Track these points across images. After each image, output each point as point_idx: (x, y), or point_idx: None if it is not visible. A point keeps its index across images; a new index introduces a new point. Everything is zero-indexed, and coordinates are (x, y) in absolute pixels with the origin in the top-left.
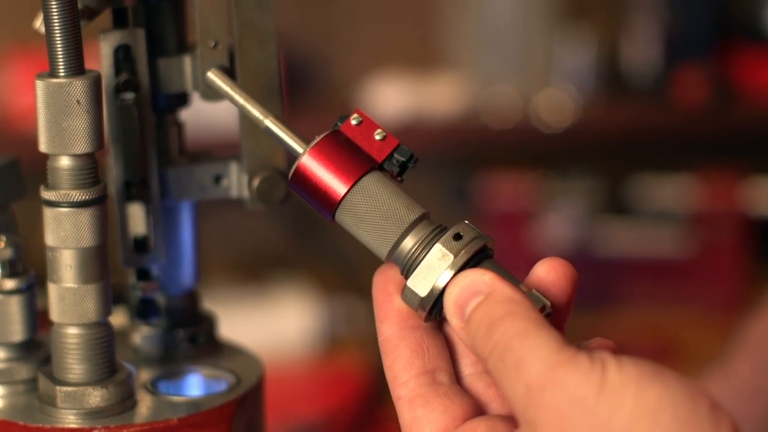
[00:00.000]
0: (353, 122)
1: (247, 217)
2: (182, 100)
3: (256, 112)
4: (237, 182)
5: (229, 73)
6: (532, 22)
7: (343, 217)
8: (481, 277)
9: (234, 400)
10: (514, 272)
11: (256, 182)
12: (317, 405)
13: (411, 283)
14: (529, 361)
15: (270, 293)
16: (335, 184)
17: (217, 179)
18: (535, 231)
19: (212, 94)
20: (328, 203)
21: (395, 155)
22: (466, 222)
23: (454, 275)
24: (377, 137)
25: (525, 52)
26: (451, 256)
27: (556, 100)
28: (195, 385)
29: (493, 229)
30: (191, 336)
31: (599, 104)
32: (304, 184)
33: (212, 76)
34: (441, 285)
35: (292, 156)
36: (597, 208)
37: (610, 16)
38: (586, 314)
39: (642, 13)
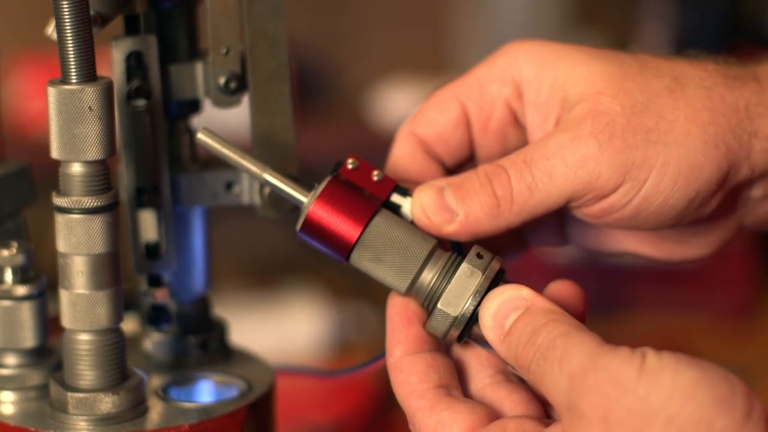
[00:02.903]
0: (350, 167)
1: (257, 223)
2: (194, 106)
3: (253, 167)
4: (248, 189)
5: (241, 80)
6: (542, 28)
7: (358, 258)
8: (519, 293)
9: (245, 407)
10: (524, 278)
11: (267, 189)
12: (327, 411)
13: (442, 304)
14: (573, 354)
15: (280, 299)
16: (347, 228)
17: (229, 186)
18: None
19: (224, 100)
20: (341, 247)
21: (395, 193)
22: (477, 245)
23: (487, 291)
24: (375, 178)
25: None
26: (480, 274)
27: None
28: (206, 391)
29: None
30: (202, 342)
31: None
32: (315, 231)
33: (203, 137)
34: (475, 302)
35: (307, 156)
36: None
37: (619, 22)
38: (596, 321)
39: (651, 19)
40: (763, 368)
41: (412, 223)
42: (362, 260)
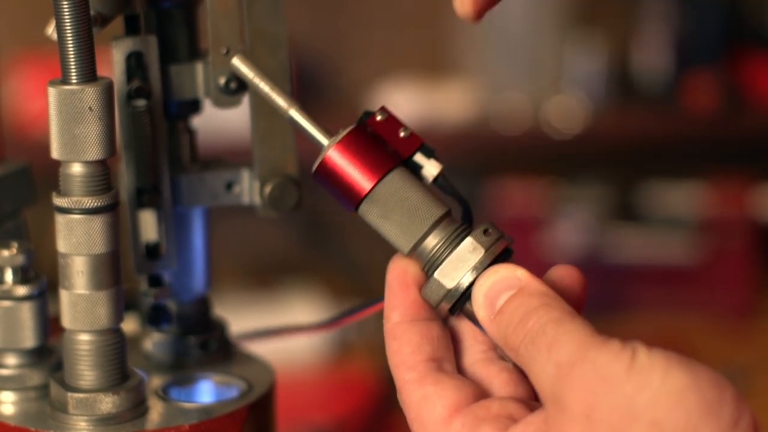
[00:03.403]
0: (378, 118)
1: (257, 223)
2: (194, 106)
3: (280, 101)
4: (249, 189)
5: (241, 80)
6: (543, 28)
7: (367, 210)
8: (514, 272)
9: (245, 407)
10: None
11: (267, 189)
12: (327, 411)
13: (439, 275)
14: (562, 342)
15: (280, 299)
16: (361, 178)
17: (229, 186)
18: (545, 237)
19: (224, 101)
20: (352, 196)
21: (419, 153)
22: (490, 222)
23: (485, 268)
24: (402, 134)
25: (536, 59)
26: (482, 250)
27: (567, 107)
28: (206, 391)
29: None
30: (203, 342)
31: (610, 111)
32: (329, 176)
33: (237, 62)
34: (471, 277)
35: (307, 156)
36: (607, 214)
37: (620, 23)
38: (596, 320)
39: (652, 20)
40: (763, 368)
41: (435, 184)
42: (370, 214)
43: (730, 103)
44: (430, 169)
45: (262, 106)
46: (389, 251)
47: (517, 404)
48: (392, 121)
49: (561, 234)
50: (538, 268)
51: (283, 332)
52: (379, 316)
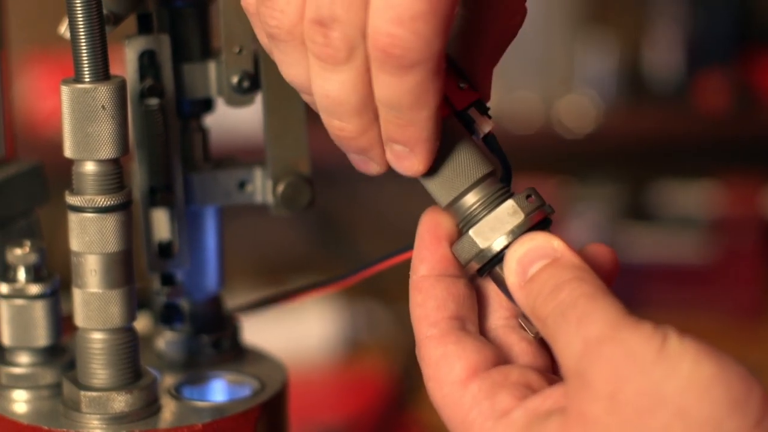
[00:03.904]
0: None
1: (270, 222)
2: (207, 105)
3: None
4: (261, 188)
5: (253, 79)
6: (554, 28)
7: None
8: (550, 242)
9: (258, 406)
10: None
11: (280, 188)
12: (339, 410)
13: (474, 232)
14: (593, 318)
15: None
16: None
17: (242, 185)
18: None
19: (237, 99)
20: None
21: (474, 107)
22: (534, 188)
23: (522, 234)
24: (461, 86)
25: (546, 58)
26: (522, 215)
27: (578, 106)
28: (219, 390)
29: None
30: (215, 341)
31: (621, 110)
32: None
33: None
34: (506, 241)
35: (320, 155)
36: (618, 213)
37: (631, 22)
38: None
39: (664, 19)
40: None
41: (483, 141)
42: None
43: (742, 102)
44: (483, 125)
45: (274, 105)
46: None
47: (537, 374)
48: (451, 72)
49: (572, 233)
50: None
51: (296, 294)
52: (391, 312)
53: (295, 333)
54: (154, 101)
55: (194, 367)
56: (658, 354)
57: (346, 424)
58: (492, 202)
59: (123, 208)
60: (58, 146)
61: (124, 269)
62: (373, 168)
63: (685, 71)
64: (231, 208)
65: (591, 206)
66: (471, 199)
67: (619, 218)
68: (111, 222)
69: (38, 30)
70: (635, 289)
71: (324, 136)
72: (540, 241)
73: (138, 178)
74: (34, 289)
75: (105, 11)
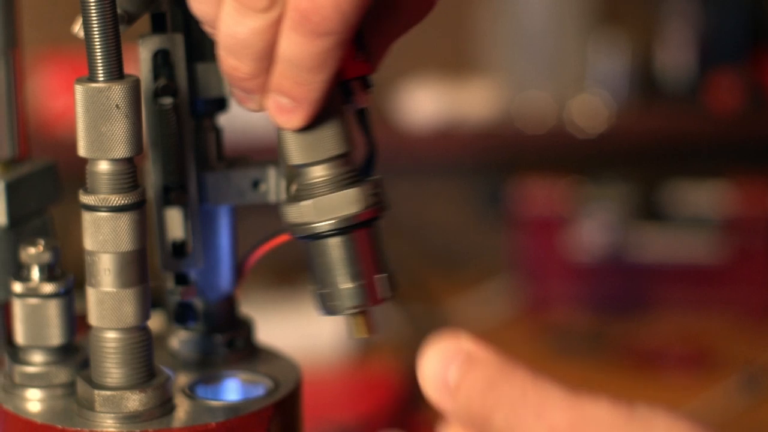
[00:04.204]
0: None
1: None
2: (220, 104)
3: None
4: (275, 187)
5: None
6: (565, 27)
7: None
8: (457, 344)
9: (272, 405)
10: (548, 277)
11: (294, 187)
12: (351, 410)
13: (313, 203)
14: (550, 405)
15: (305, 298)
16: None
17: (255, 184)
18: (568, 236)
19: None
20: None
21: (359, 80)
22: (381, 181)
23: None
24: (357, 55)
25: (559, 58)
26: (360, 206)
27: (590, 106)
28: (233, 389)
29: (527, 234)
30: (229, 340)
31: (633, 110)
32: None
33: None
34: (336, 225)
35: None
36: (631, 213)
37: (643, 22)
38: (620, 320)
39: (675, 18)
40: None
41: (356, 114)
42: None
43: (754, 101)
44: (361, 99)
45: None
46: (415, 251)
47: None
48: (354, 40)
49: (584, 233)
50: (561, 268)
51: None
52: (403, 313)
53: (308, 332)
54: (167, 100)
55: (208, 367)
56: (630, 418)
57: (358, 424)
58: (339, 182)
59: (137, 207)
60: (70, 145)
61: (138, 268)
62: (251, 106)
63: (697, 71)
64: (244, 208)
65: (603, 206)
66: (320, 171)
67: (631, 218)
68: (125, 221)
69: (50, 29)
70: (647, 288)
71: None
72: (447, 346)
73: (152, 177)
74: (48, 288)
75: (119, 10)
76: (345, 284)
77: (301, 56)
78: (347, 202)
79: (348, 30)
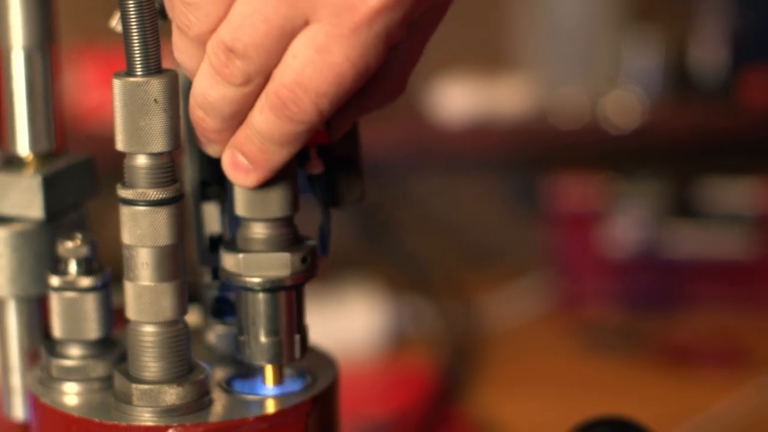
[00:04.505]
0: None
1: (317, 217)
2: None
3: None
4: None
5: None
6: (599, 24)
7: None
8: None
9: (310, 399)
10: (582, 273)
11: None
12: (385, 405)
13: (245, 258)
14: None
15: (338, 293)
16: None
17: None
18: (602, 232)
19: None
20: None
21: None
22: (315, 249)
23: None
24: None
25: (592, 54)
26: (287, 272)
27: (623, 102)
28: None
29: (561, 231)
30: None
31: (666, 106)
32: None
33: None
34: (261, 285)
35: (371, 149)
36: (664, 209)
37: (677, 18)
38: (654, 317)
39: (709, 15)
40: None
41: (308, 179)
42: None
43: None
44: (313, 166)
45: None
46: (448, 247)
47: None
48: None
49: (618, 229)
50: (595, 264)
51: None
52: (437, 307)
53: (341, 327)
54: None
55: (245, 361)
56: None
57: (391, 419)
58: (274, 243)
59: (175, 201)
60: (104, 139)
61: (176, 262)
62: (210, 152)
63: (731, 67)
64: None
65: (636, 202)
66: (260, 228)
67: (665, 214)
68: (163, 215)
69: (84, 23)
70: (680, 285)
71: (369, 131)
72: None
73: (189, 171)
74: (85, 281)
75: (156, 4)
76: (262, 338)
77: (271, 132)
78: (277, 264)
79: (322, 120)
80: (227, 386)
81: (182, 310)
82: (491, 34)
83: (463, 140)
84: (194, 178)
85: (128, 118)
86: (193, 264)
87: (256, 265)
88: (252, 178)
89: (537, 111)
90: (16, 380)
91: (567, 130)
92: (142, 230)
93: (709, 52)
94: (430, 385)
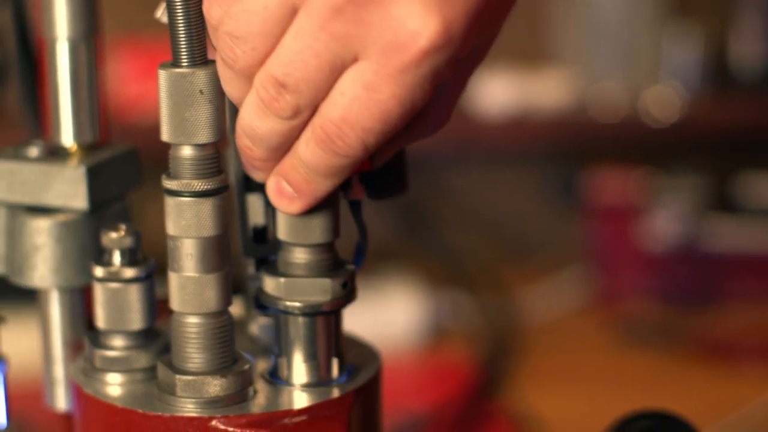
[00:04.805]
0: None
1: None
2: None
3: None
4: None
5: None
6: (639, 18)
7: None
8: None
9: (353, 391)
10: (621, 267)
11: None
12: (423, 398)
13: (286, 283)
14: None
15: (378, 286)
16: None
17: None
18: (641, 227)
19: None
20: None
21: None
22: (354, 273)
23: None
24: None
25: (632, 49)
26: (327, 297)
27: (664, 97)
28: None
29: (599, 224)
30: None
31: (706, 100)
32: None
33: None
34: (301, 309)
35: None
36: (703, 204)
37: (717, 12)
38: (693, 312)
39: (749, 9)
40: None
41: (350, 205)
42: None
43: None
44: (355, 192)
45: None
46: (487, 240)
47: None
48: None
49: (657, 224)
50: (634, 258)
51: None
52: (476, 301)
53: (381, 320)
54: None
55: None
56: None
57: (430, 413)
58: (315, 269)
59: (219, 192)
60: (144, 131)
61: (220, 253)
62: (255, 178)
63: None
64: None
65: (675, 197)
66: (301, 253)
67: (704, 209)
68: (207, 206)
69: (124, 15)
70: (719, 280)
71: None
72: None
73: (233, 163)
74: (129, 272)
75: None
76: (298, 360)
77: (317, 164)
78: (318, 289)
79: (367, 155)
80: (270, 377)
81: (226, 301)
82: (532, 27)
83: (502, 134)
84: (238, 169)
85: (174, 109)
86: (236, 255)
87: (296, 290)
88: (296, 206)
89: (576, 105)
90: (58, 371)
91: (606, 124)
92: (186, 221)
93: (749, 46)
94: (469, 378)
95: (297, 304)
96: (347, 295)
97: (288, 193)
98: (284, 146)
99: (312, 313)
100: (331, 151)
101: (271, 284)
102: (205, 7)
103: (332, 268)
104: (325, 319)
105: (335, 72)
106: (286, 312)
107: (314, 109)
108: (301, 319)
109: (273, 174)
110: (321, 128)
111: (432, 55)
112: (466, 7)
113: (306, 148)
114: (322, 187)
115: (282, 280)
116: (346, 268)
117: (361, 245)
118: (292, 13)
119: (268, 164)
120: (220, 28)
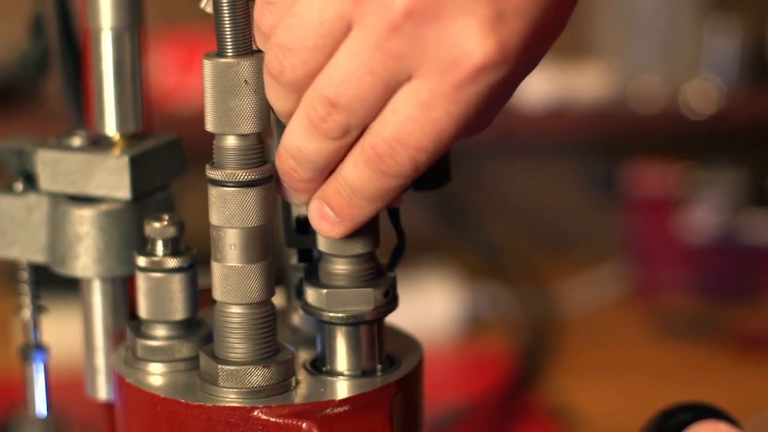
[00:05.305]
0: None
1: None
2: None
3: None
4: None
5: None
6: (679, 10)
7: None
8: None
9: (395, 382)
10: (658, 260)
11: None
12: (461, 390)
13: (328, 294)
14: None
15: (415, 278)
16: None
17: None
18: (679, 219)
19: None
20: None
21: None
22: (395, 280)
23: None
24: None
25: (671, 42)
26: (370, 306)
27: (703, 89)
28: None
29: (638, 217)
30: None
31: (744, 93)
32: None
33: None
34: (344, 320)
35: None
36: (742, 197)
37: (756, 5)
38: (730, 305)
39: None
40: None
41: (388, 212)
42: None
43: None
44: (395, 201)
45: None
46: (525, 232)
47: None
48: None
49: (696, 217)
50: (672, 251)
51: None
52: (514, 293)
53: (419, 312)
54: None
55: None
56: None
57: (468, 404)
58: (357, 279)
59: (264, 182)
60: (182, 121)
61: (263, 244)
62: (295, 201)
63: None
64: None
65: (714, 190)
66: (343, 264)
67: (743, 202)
68: (251, 196)
69: (163, 7)
70: (757, 273)
71: None
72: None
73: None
74: (172, 262)
75: None
76: (342, 369)
77: (363, 187)
78: (360, 300)
79: (417, 175)
80: (312, 368)
81: (269, 292)
82: (572, 20)
83: (542, 125)
84: None
85: (218, 99)
86: (279, 246)
87: (339, 301)
88: (337, 231)
89: (616, 97)
90: (100, 361)
91: (645, 116)
92: (230, 211)
93: None
94: (506, 371)
95: (340, 315)
96: (389, 303)
97: (330, 217)
98: (329, 167)
99: (355, 323)
100: (380, 171)
101: (313, 295)
102: (256, 13)
103: (374, 277)
104: (369, 329)
105: (388, 91)
106: (330, 322)
107: (363, 130)
108: (343, 329)
109: (315, 197)
110: (372, 148)
111: (486, 72)
112: (522, 27)
113: (353, 170)
114: (365, 211)
115: (324, 291)
116: (387, 276)
117: (399, 250)
118: (347, 29)
119: (312, 185)
120: (272, 39)
